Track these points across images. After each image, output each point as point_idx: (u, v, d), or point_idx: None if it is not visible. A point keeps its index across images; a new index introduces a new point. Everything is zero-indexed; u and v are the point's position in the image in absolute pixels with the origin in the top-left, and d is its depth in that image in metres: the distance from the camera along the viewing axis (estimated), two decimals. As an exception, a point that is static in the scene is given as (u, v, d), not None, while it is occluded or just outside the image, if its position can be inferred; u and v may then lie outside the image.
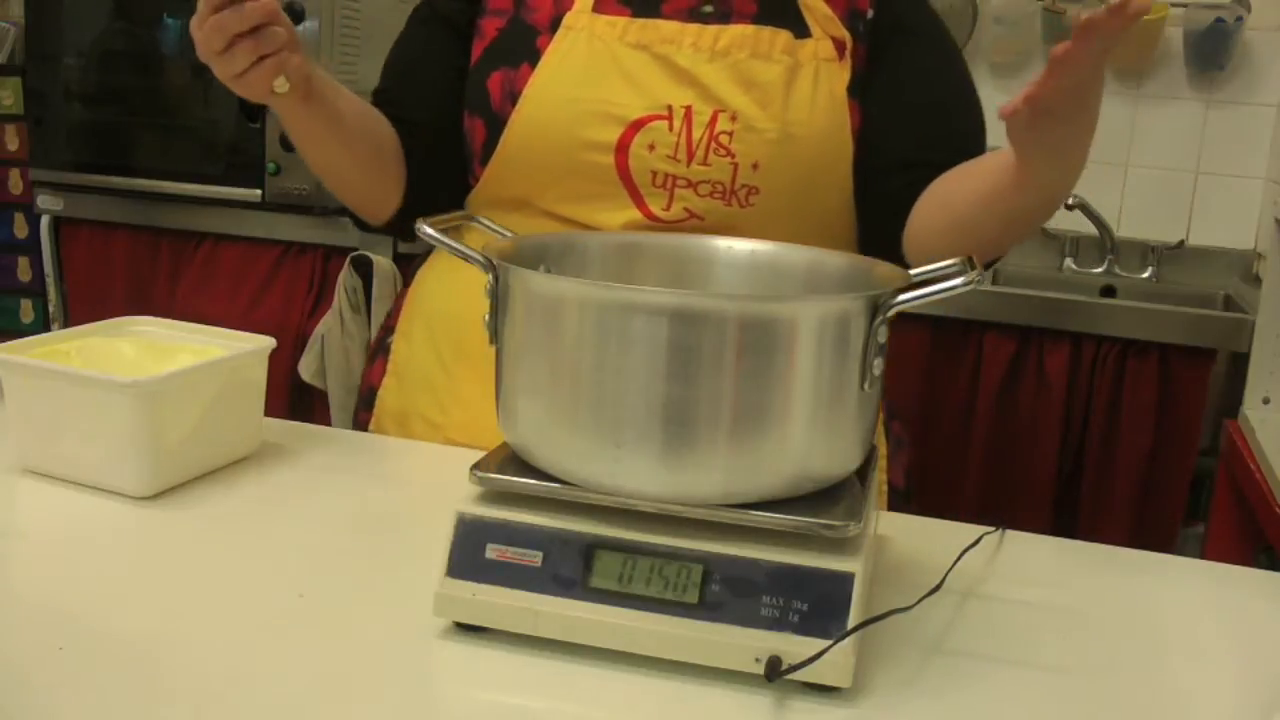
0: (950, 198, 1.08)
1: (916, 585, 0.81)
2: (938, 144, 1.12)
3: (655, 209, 1.09)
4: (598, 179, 1.09)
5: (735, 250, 0.92)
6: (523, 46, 1.12)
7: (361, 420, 1.24)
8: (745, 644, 0.70)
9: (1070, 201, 2.45)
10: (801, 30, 1.11)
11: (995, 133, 2.70)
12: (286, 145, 2.25)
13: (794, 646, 0.69)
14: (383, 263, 2.23)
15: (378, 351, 1.26)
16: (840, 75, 1.11)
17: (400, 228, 1.21)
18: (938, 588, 0.81)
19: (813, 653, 0.68)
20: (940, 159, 1.11)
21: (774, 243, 0.94)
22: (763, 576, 0.71)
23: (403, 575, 0.83)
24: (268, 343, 1.04)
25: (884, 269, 0.84)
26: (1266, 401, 1.85)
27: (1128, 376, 2.04)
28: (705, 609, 0.71)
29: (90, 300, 2.50)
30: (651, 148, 1.07)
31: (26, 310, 2.71)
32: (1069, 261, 2.56)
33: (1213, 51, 2.41)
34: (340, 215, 2.29)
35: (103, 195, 2.43)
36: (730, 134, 1.07)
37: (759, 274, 0.91)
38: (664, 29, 1.09)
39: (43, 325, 2.64)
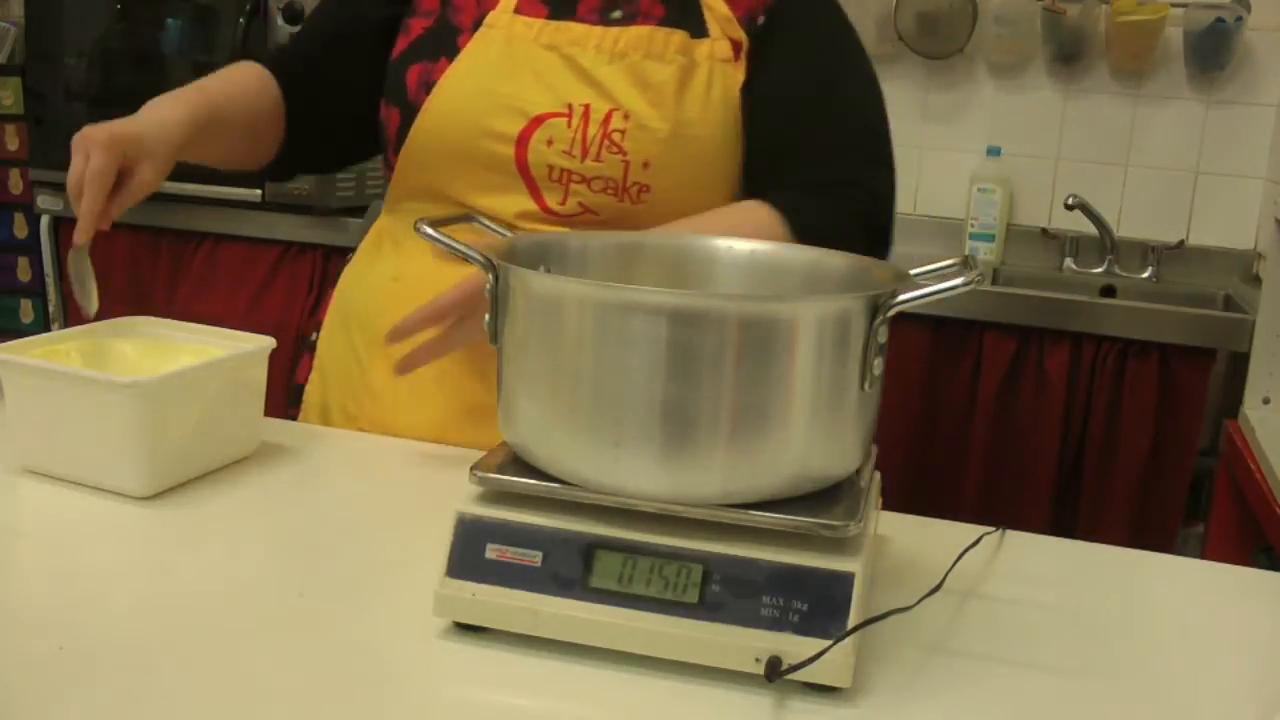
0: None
1: (916, 585, 0.81)
2: (785, 149, 1.15)
3: (551, 203, 1.13)
4: (498, 170, 1.13)
5: (735, 250, 0.92)
6: (444, 43, 1.17)
7: (290, 416, 1.28)
8: (745, 644, 0.70)
9: (1070, 201, 2.45)
10: (701, 31, 1.15)
11: (1000, 136, 2.67)
12: (286, 145, 2.25)
13: (794, 646, 0.69)
14: (383, 263, 2.23)
15: (303, 349, 1.31)
16: (735, 76, 1.15)
17: (274, 174, 1.32)
18: (938, 588, 0.81)
19: (813, 653, 0.68)
20: (783, 164, 1.14)
21: (774, 243, 0.94)
22: (763, 576, 0.71)
23: (403, 575, 0.83)
24: (268, 342, 1.04)
25: (884, 269, 0.84)
26: (1266, 401, 1.85)
27: (1128, 376, 2.04)
28: (705, 609, 0.71)
29: (90, 300, 2.50)
30: (550, 143, 1.11)
31: (26, 310, 2.71)
32: (1069, 261, 2.56)
33: (1213, 51, 2.41)
34: (340, 215, 2.30)
35: (103, 195, 2.42)
36: (623, 132, 1.11)
37: (759, 274, 0.91)
38: (573, 31, 1.14)
39: (43, 325, 2.65)
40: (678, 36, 1.13)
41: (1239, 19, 2.37)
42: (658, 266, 0.92)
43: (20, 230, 2.68)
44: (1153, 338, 2.02)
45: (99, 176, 1.03)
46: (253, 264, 2.38)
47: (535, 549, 0.74)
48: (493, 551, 0.74)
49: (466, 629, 0.75)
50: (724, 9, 1.16)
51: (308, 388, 1.27)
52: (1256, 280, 2.28)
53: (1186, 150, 2.52)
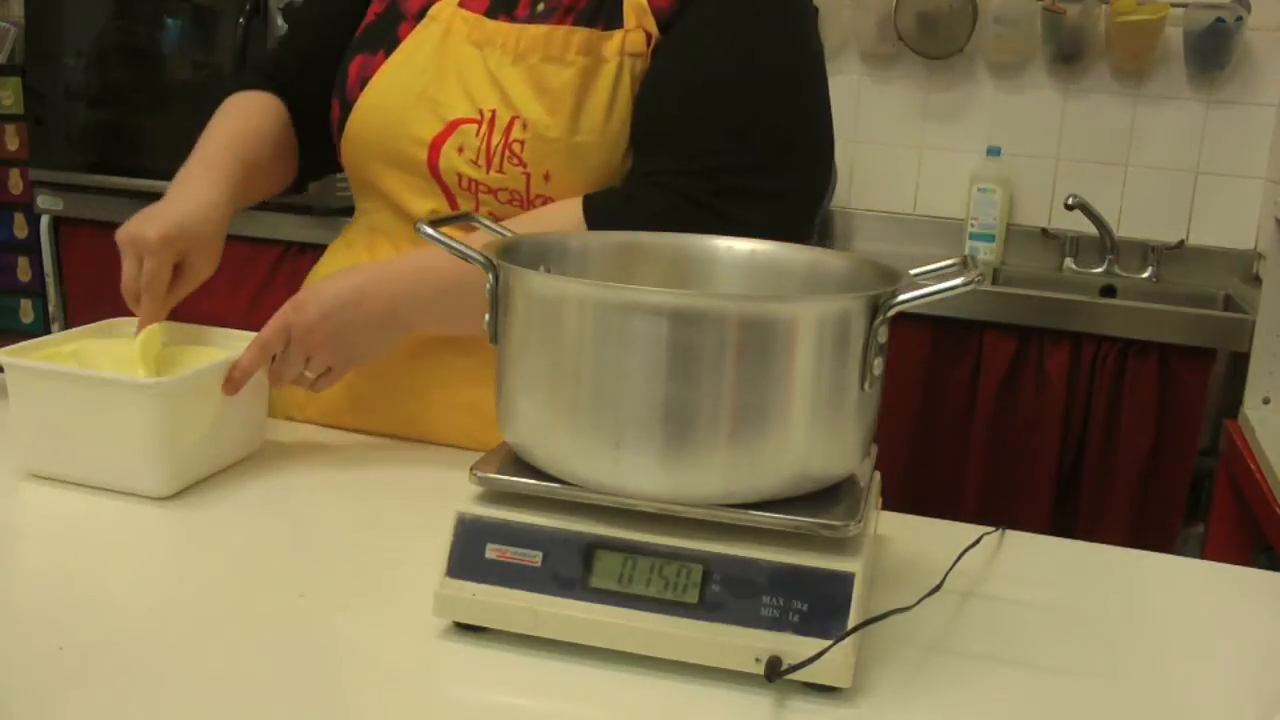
0: None
1: (916, 585, 0.81)
2: (644, 136, 1.05)
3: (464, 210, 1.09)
4: (417, 173, 1.10)
5: (735, 250, 0.92)
6: (386, 33, 1.14)
7: None
8: (745, 644, 0.70)
9: (1070, 201, 2.45)
10: (615, 21, 1.06)
11: (1000, 136, 2.68)
12: (286, 145, 2.25)
13: (794, 646, 0.69)
14: (383, 263, 2.23)
15: None
16: (644, 71, 1.06)
17: (298, 184, 1.30)
18: (938, 588, 0.81)
19: (813, 653, 0.68)
20: (640, 152, 1.05)
21: (774, 243, 0.94)
22: (763, 576, 0.71)
23: (403, 575, 0.83)
24: (268, 343, 1.04)
25: (884, 269, 0.84)
26: (1266, 401, 1.85)
27: (1128, 376, 2.04)
28: (705, 609, 0.71)
29: (90, 300, 2.50)
30: (460, 150, 1.07)
31: (26, 310, 2.71)
32: (1069, 261, 2.56)
33: (1213, 51, 2.41)
34: (340, 215, 2.30)
35: (103, 195, 2.43)
36: (522, 142, 1.05)
37: (759, 274, 0.91)
38: (487, 28, 1.08)
39: (43, 325, 2.64)
40: (579, 35, 1.05)
41: (1239, 19, 2.37)
42: (657, 266, 0.92)
43: (20, 230, 2.68)
44: (1153, 338, 2.02)
45: (156, 281, 1.03)
46: (253, 264, 2.38)
47: (535, 549, 0.74)
48: (493, 551, 0.74)
49: (466, 629, 0.75)
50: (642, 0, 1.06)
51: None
52: (1256, 280, 2.28)
53: (1186, 150, 2.52)
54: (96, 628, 0.75)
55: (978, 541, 0.91)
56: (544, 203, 1.06)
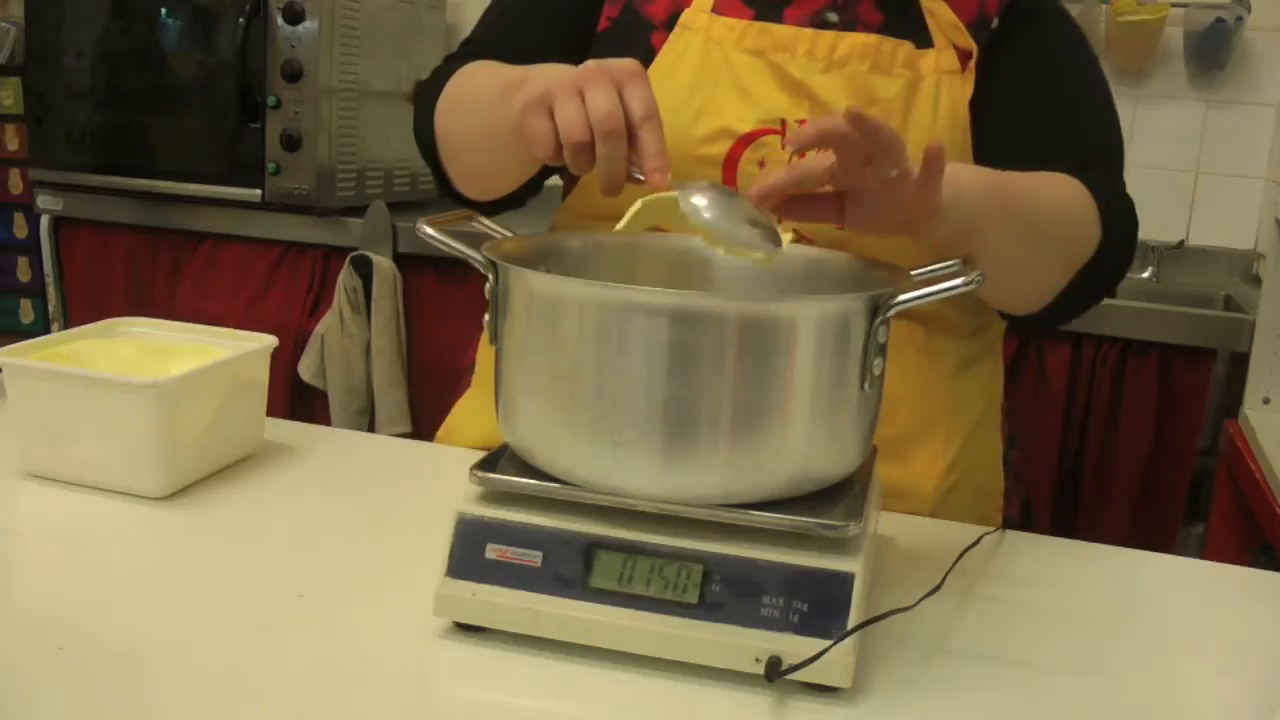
0: None
1: (916, 585, 0.81)
2: (1047, 156, 1.01)
3: None
4: None
5: (735, 250, 0.92)
6: (635, 42, 1.06)
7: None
8: (745, 644, 0.70)
9: (1070, 201, 2.45)
10: (924, 40, 1.04)
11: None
12: (286, 145, 2.25)
13: (794, 646, 0.69)
14: (383, 263, 2.23)
15: (468, 378, 1.19)
16: (963, 89, 1.04)
17: (498, 207, 1.10)
18: (938, 588, 0.81)
19: (813, 653, 0.68)
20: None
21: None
22: (763, 576, 0.71)
23: (403, 575, 0.83)
24: (270, 341, 1.04)
25: (884, 269, 0.84)
26: (1266, 401, 1.85)
27: (1128, 376, 2.04)
28: (705, 609, 0.71)
29: (90, 300, 2.50)
30: (762, 164, 1.00)
31: (26, 310, 2.71)
32: (1069, 261, 2.56)
33: (1213, 51, 2.41)
34: (340, 215, 2.30)
35: (103, 195, 2.43)
36: None
37: (759, 274, 0.90)
38: (779, 34, 1.02)
39: (43, 325, 2.65)
40: (905, 48, 1.02)
41: (1239, 19, 2.37)
42: (658, 266, 0.92)
43: (20, 230, 2.68)
44: (1153, 338, 2.01)
45: (654, 107, 0.81)
46: (253, 264, 2.38)
47: (535, 549, 0.74)
48: (493, 551, 0.74)
49: (466, 629, 0.75)
50: (950, 15, 1.04)
51: (462, 407, 1.18)
52: (1256, 280, 2.28)
53: (1186, 150, 2.52)
54: (96, 628, 0.74)
55: (978, 541, 0.91)
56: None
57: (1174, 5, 2.40)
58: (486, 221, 0.94)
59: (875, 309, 0.73)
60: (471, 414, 1.17)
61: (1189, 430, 2.03)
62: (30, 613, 0.77)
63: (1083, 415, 2.08)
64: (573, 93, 0.80)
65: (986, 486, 1.12)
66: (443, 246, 0.80)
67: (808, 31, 1.02)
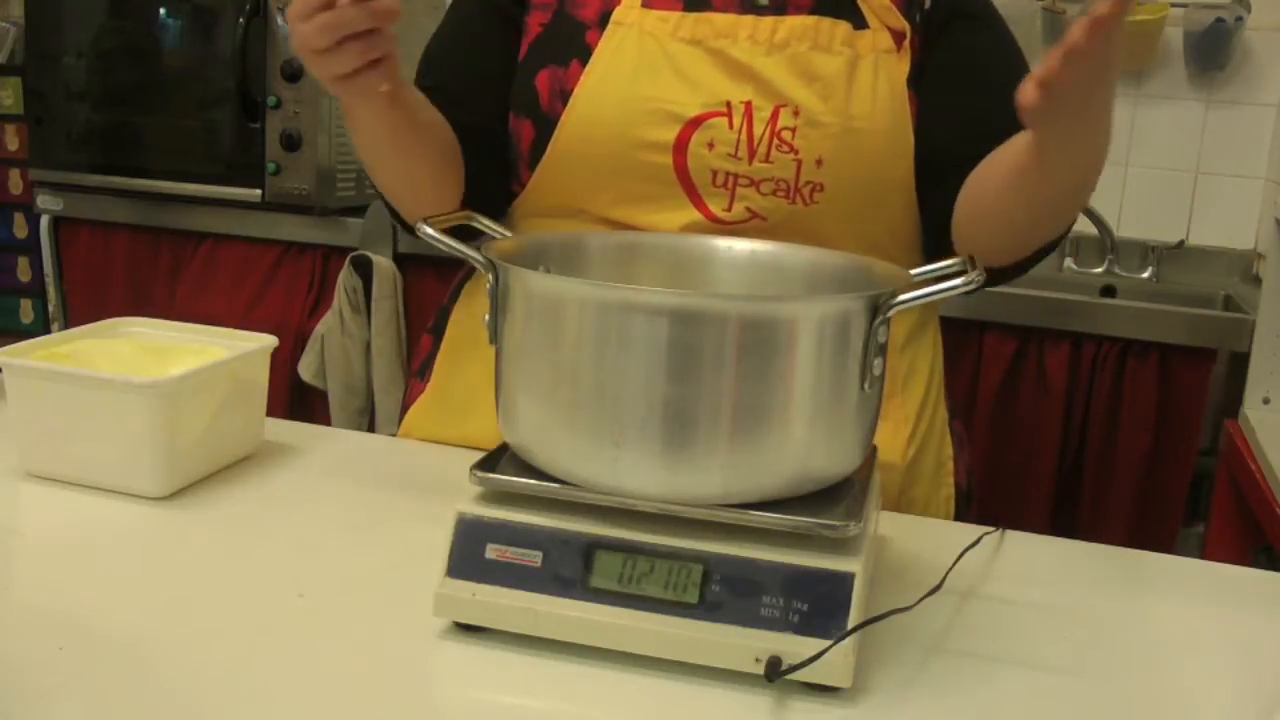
0: (980, 186, 1.04)
1: (916, 585, 0.81)
2: (991, 134, 1.03)
3: (716, 210, 1.05)
4: (655, 180, 1.05)
5: (735, 250, 0.92)
6: (571, 43, 1.09)
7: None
8: (745, 644, 0.70)
9: (1070, 201, 2.45)
10: (859, 21, 1.07)
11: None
12: (286, 145, 2.25)
13: (794, 646, 0.69)
14: (383, 263, 2.23)
15: (408, 376, 1.21)
16: (899, 67, 1.07)
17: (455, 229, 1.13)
18: (938, 588, 0.81)
19: (813, 653, 0.68)
20: (991, 149, 1.04)
21: (774, 243, 0.94)
22: (763, 576, 0.71)
23: (403, 575, 0.83)
24: (270, 341, 1.04)
25: (884, 269, 0.84)
26: (1266, 401, 1.85)
27: (1128, 376, 2.04)
28: (705, 609, 0.71)
29: (90, 300, 2.50)
30: (711, 146, 1.04)
31: (26, 310, 2.71)
32: (1069, 261, 2.56)
33: (1213, 51, 2.41)
34: (340, 215, 2.30)
35: (103, 195, 2.43)
36: (793, 129, 1.03)
37: (759, 274, 0.91)
38: (718, 22, 1.06)
39: (43, 325, 2.65)
40: (843, 27, 1.06)
41: (1239, 19, 2.37)
42: (657, 266, 0.92)
43: (20, 230, 2.68)
44: (1153, 338, 2.01)
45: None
46: (253, 264, 2.38)
47: (535, 549, 0.74)
48: (493, 551, 0.74)
49: (466, 629, 0.75)
50: None
51: (414, 412, 1.19)
52: (1256, 280, 2.28)
53: (1186, 150, 2.52)
54: (96, 628, 0.74)
55: (978, 541, 0.91)
56: (813, 189, 1.05)
57: (1174, 5, 2.40)
58: (487, 221, 0.94)
59: (875, 309, 0.73)
60: (426, 418, 1.18)
61: (1189, 430, 2.03)
62: (30, 613, 0.77)
63: (1083, 415, 2.07)
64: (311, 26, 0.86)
65: (940, 455, 1.16)
66: (443, 246, 0.80)
67: (747, 18, 1.06)
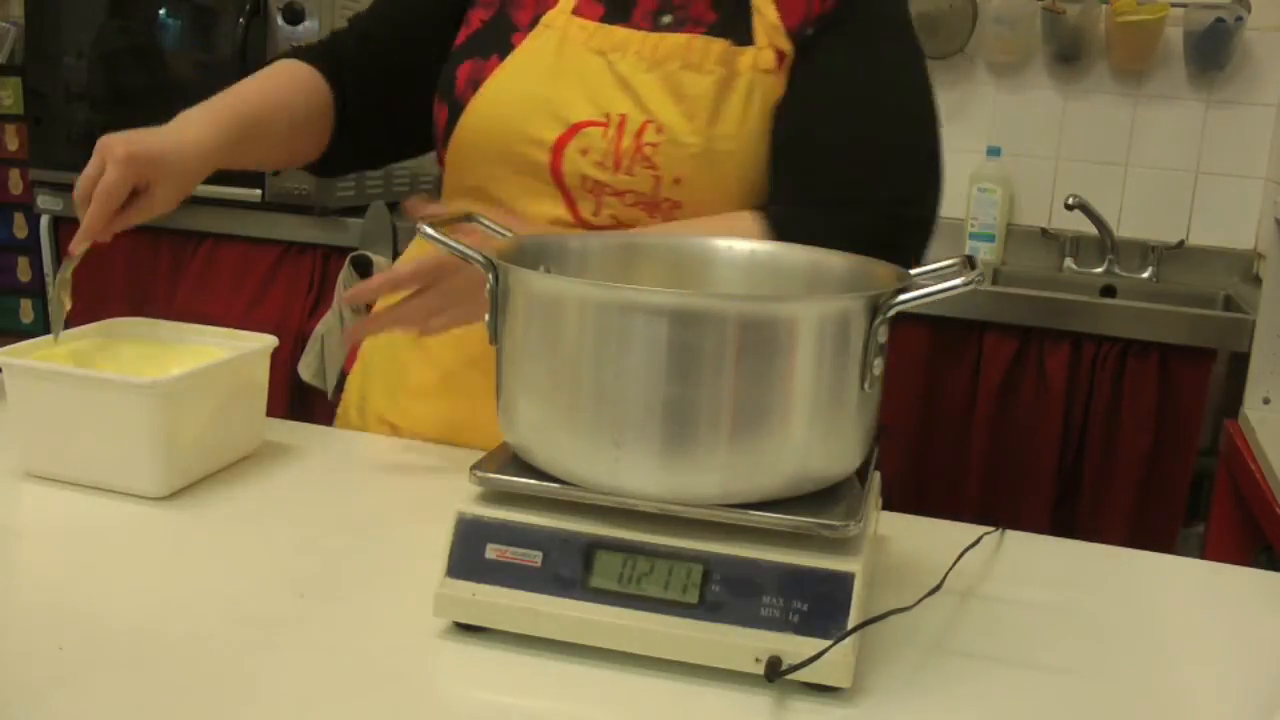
0: None
1: (916, 585, 0.81)
2: (803, 164, 1.07)
3: (585, 213, 1.10)
4: (534, 175, 1.10)
5: (735, 250, 0.92)
6: (498, 40, 1.14)
7: (334, 403, 1.28)
8: (745, 644, 0.70)
9: (1070, 201, 2.45)
10: (746, 38, 1.09)
11: (1000, 136, 2.67)
12: (286, 145, 2.25)
13: (794, 646, 0.69)
14: (382, 263, 2.23)
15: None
16: (776, 89, 1.09)
17: (323, 170, 1.27)
18: (938, 588, 0.81)
19: (813, 653, 0.68)
20: (800, 179, 1.07)
21: (774, 242, 0.94)
22: (763, 576, 0.71)
23: (403, 575, 0.83)
24: (270, 341, 1.04)
25: (884, 269, 0.84)
26: (1266, 401, 1.85)
27: (1128, 376, 2.04)
28: (705, 609, 0.71)
29: (90, 300, 2.49)
30: (585, 152, 1.08)
31: (26, 310, 2.71)
32: (1069, 261, 2.56)
33: (1213, 51, 2.41)
34: (340, 215, 2.30)
35: (103, 195, 2.42)
36: (655, 146, 1.06)
37: (759, 274, 0.91)
38: (616, 35, 1.10)
39: (43, 325, 2.65)
40: (718, 46, 1.08)
41: (1239, 19, 2.37)
42: (657, 266, 0.92)
43: (20, 230, 2.68)
44: (1153, 338, 2.02)
45: (109, 192, 1.01)
46: (253, 264, 2.38)
47: (535, 549, 0.74)
48: (493, 551, 0.74)
49: (466, 629, 0.75)
50: (773, 17, 1.09)
51: (350, 378, 1.26)
52: (1256, 280, 2.28)
53: (1186, 150, 2.52)
54: (96, 627, 0.74)
55: (978, 541, 0.91)
56: (671, 206, 1.08)
57: (1174, 5, 2.40)
58: (487, 221, 0.94)
59: (875, 309, 0.73)
60: (355, 397, 1.24)
61: (1189, 430, 2.03)
62: (30, 612, 0.77)
63: (1083, 415, 2.08)
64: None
65: None
66: (442, 246, 0.80)
67: (639, 33, 1.10)
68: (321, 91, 1.19)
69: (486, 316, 0.79)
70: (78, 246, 1.03)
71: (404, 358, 1.18)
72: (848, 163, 1.07)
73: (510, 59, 1.12)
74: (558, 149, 1.09)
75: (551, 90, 1.09)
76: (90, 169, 1.03)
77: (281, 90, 1.18)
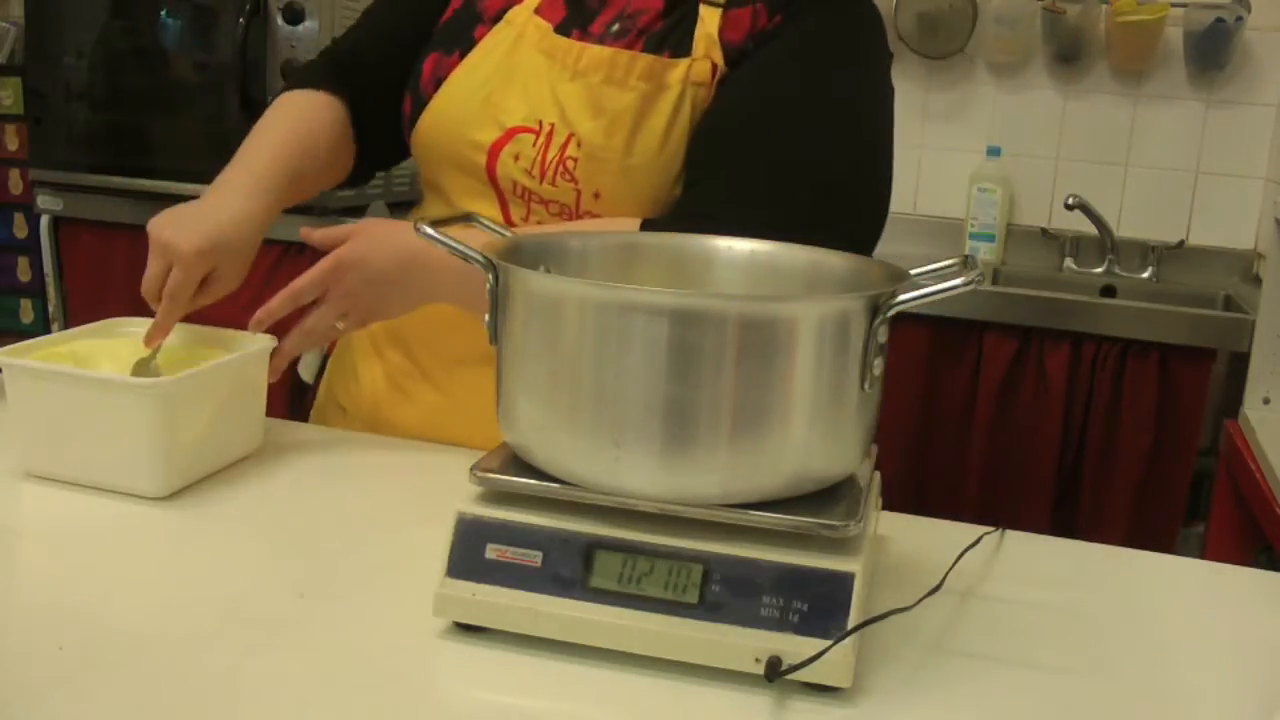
0: None
1: (916, 585, 0.81)
2: (711, 186, 1.04)
3: (515, 217, 1.11)
4: (474, 176, 1.11)
5: (735, 250, 0.92)
6: (463, 34, 1.14)
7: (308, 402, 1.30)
8: (745, 644, 0.70)
9: (1070, 201, 2.45)
10: (684, 50, 1.07)
11: (1000, 136, 2.68)
12: (286, 145, 2.25)
13: (794, 646, 0.69)
14: (383, 263, 2.22)
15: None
16: (708, 100, 1.06)
17: (352, 182, 1.28)
18: (938, 588, 0.81)
19: (813, 653, 0.68)
20: (704, 199, 1.04)
21: (774, 242, 0.94)
22: (763, 576, 0.71)
23: (403, 575, 0.83)
24: (269, 342, 1.04)
25: (884, 269, 0.84)
26: (1266, 401, 1.85)
27: (1128, 376, 2.04)
28: (705, 609, 0.71)
29: (90, 300, 2.50)
30: (516, 158, 1.08)
31: (26, 310, 2.71)
32: (1069, 261, 2.56)
33: (1213, 51, 2.41)
34: (340, 215, 2.30)
35: (103, 195, 2.43)
36: (575, 160, 1.06)
37: (759, 274, 0.90)
38: (560, 43, 1.09)
39: (43, 325, 2.65)
40: (642, 62, 1.05)
41: (1239, 19, 2.37)
42: (657, 266, 0.92)
43: (20, 230, 2.68)
44: (1153, 338, 2.02)
45: (181, 292, 1.01)
46: (253, 264, 2.38)
47: (535, 549, 0.74)
48: (493, 551, 0.74)
49: (466, 629, 0.75)
50: (712, 29, 1.06)
51: (325, 375, 1.28)
52: (1256, 280, 2.28)
53: (1186, 150, 2.52)
54: (96, 628, 0.74)
55: (978, 541, 0.91)
56: (592, 219, 1.08)
57: (1174, 5, 2.40)
58: (487, 221, 0.94)
59: (875, 309, 0.73)
60: (328, 386, 1.26)
61: (1189, 430, 2.03)
62: (30, 612, 0.77)
63: (1083, 415, 2.08)
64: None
65: None
66: (442, 246, 0.80)
67: (568, 42, 1.09)
68: (339, 116, 1.19)
69: (486, 316, 0.79)
70: (152, 343, 1.02)
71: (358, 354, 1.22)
72: (747, 172, 1.04)
73: (469, 58, 1.12)
74: (494, 152, 1.09)
75: (499, 93, 1.10)
76: (154, 268, 1.03)
77: (308, 127, 1.17)
